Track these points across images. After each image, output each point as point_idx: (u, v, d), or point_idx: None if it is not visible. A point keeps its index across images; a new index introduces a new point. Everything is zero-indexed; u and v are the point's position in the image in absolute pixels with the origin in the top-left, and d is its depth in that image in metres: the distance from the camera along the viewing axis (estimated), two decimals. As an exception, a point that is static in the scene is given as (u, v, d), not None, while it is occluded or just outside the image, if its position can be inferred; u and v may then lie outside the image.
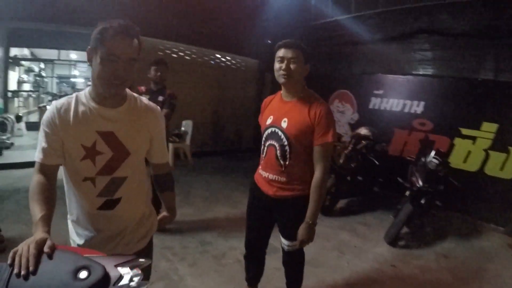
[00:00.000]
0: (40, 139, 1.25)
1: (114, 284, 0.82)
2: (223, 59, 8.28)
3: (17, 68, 10.49)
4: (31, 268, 0.81)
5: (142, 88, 3.70)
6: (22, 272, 0.80)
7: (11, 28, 8.07)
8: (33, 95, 12.27)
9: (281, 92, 2.07)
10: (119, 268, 0.86)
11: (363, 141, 4.84)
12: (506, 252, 3.98)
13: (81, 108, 1.26)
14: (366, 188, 5.17)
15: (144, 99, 1.43)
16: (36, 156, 1.25)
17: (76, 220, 1.37)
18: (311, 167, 1.95)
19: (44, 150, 1.23)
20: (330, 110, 1.93)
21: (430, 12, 5.44)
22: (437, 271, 3.40)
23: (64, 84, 15.57)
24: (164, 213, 1.71)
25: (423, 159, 4.11)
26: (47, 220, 1.06)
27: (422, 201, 3.80)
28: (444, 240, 4.13)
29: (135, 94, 1.41)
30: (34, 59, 11.94)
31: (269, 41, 7.78)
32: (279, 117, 1.98)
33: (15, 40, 8.72)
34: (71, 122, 1.24)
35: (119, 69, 1.18)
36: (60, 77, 15.11)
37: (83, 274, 0.80)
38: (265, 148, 2.06)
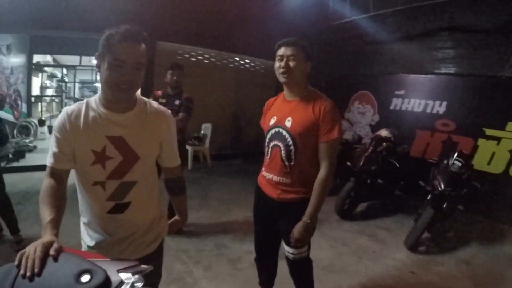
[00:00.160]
0: (51, 144, 1.28)
1: None
2: (241, 62, 8.27)
3: (40, 74, 10.81)
4: (36, 270, 0.82)
5: (159, 92, 3.73)
6: (28, 274, 0.81)
7: (34, 36, 8.36)
8: (56, 100, 12.63)
9: (284, 92, 2.03)
10: (121, 274, 0.86)
11: (383, 143, 4.71)
12: (532, 259, 3.78)
13: (91, 114, 1.28)
14: (387, 191, 5.03)
15: (154, 103, 1.43)
16: (47, 160, 1.27)
17: (87, 223, 1.40)
18: (317, 169, 1.88)
19: (55, 155, 1.26)
20: (335, 106, 1.87)
21: (451, 8, 5.31)
22: (458, 279, 3.24)
23: (86, 89, 15.97)
24: (175, 217, 1.70)
25: (445, 162, 3.97)
26: (55, 223, 1.07)
27: (444, 205, 3.65)
28: (466, 246, 3.96)
29: (144, 99, 1.41)
30: (57, 65, 12.28)
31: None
32: (283, 116, 1.93)
33: (37, 47, 9.07)
34: (81, 127, 1.26)
35: (126, 74, 1.19)
36: (82, 82, 15.52)
37: (85, 278, 0.81)
38: (270, 149, 2.01)
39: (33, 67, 9.58)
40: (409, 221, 4.27)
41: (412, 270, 3.31)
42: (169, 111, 1.48)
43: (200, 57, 7.61)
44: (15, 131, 7.67)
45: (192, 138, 6.82)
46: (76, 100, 12.23)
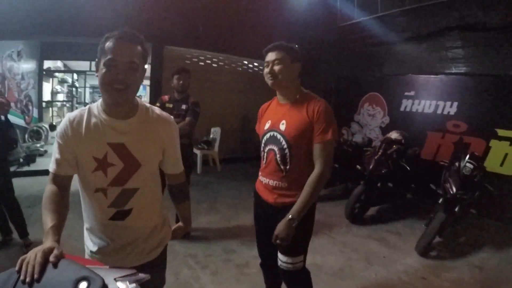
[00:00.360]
0: (54, 150, 1.29)
1: None
2: (250, 66, 8.27)
3: (51, 80, 10.97)
4: (36, 276, 0.83)
5: (166, 97, 3.74)
6: (27, 279, 0.83)
7: (44, 42, 8.49)
8: (67, 105, 12.78)
9: (277, 96, 2.02)
10: (118, 282, 0.87)
11: (394, 146, 4.65)
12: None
13: (93, 120, 1.28)
14: (397, 195, 4.96)
15: (157, 109, 1.42)
16: (50, 166, 1.29)
17: (90, 228, 1.40)
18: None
19: (57, 161, 1.27)
20: (329, 107, 1.84)
21: (460, 7, 5.22)
22: (470, 284, 3.15)
23: (97, 94, 16.12)
24: (179, 223, 1.69)
25: (457, 164, 3.88)
26: (57, 230, 1.08)
27: (456, 209, 3.56)
28: (478, 251, 3.86)
29: (147, 105, 1.40)
30: (67, 70, 12.44)
31: (296, 45, 7.67)
32: (277, 120, 1.91)
33: (48, 53, 9.23)
34: (83, 134, 1.26)
35: (119, 73, 1.18)
36: (92, 87, 15.68)
37: (83, 285, 0.81)
38: (265, 153, 1.98)
39: (44, 72, 9.76)
40: (420, 225, 4.19)
41: (423, 275, 3.23)
42: (172, 117, 1.46)
43: (208, 61, 7.64)
44: (26, 136, 7.77)
45: (202, 142, 6.87)
46: (86, 105, 12.33)
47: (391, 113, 6.41)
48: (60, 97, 12.28)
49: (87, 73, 12.65)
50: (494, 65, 5.03)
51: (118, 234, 1.36)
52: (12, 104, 7.34)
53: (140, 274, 0.93)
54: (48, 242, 0.98)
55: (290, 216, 1.76)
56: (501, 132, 4.76)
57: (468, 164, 3.73)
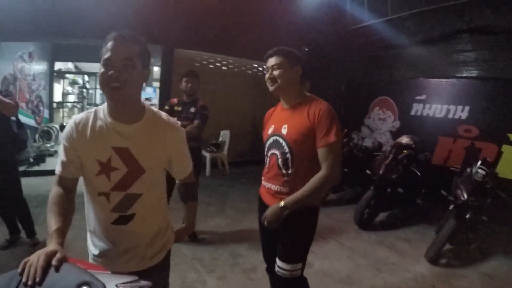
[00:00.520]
0: (60, 152, 1.30)
1: None
2: (260, 69, 8.25)
3: (62, 81, 11.08)
4: (37, 279, 0.84)
5: (174, 100, 3.75)
6: (29, 282, 0.83)
7: (56, 44, 8.59)
8: (78, 106, 12.89)
9: (281, 101, 2.01)
10: None
11: (404, 151, 4.59)
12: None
13: (98, 123, 1.27)
14: (407, 201, 4.88)
15: (164, 115, 1.40)
16: (56, 168, 1.29)
17: (93, 231, 1.39)
18: None
19: (63, 163, 1.27)
20: (331, 109, 1.79)
21: (471, 9, 5.15)
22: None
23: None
24: (182, 225, 1.65)
25: (468, 170, 3.82)
26: (61, 232, 1.08)
27: (467, 216, 3.50)
28: (490, 259, 3.77)
29: (154, 109, 1.38)
30: (78, 72, 12.56)
31: (306, 49, 7.68)
32: (280, 124, 1.90)
33: (59, 55, 9.35)
34: (88, 136, 1.26)
35: (113, 70, 1.17)
36: (103, 89, 15.76)
37: None
38: (268, 158, 1.97)
39: (55, 74, 9.87)
40: (430, 232, 4.12)
41: (432, 283, 3.17)
42: (179, 122, 1.45)
43: (218, 64, 7.65)
44: (36, 136, 7.85)
45: (211, 145, 6.89)
46: (97, 106, 12.46)
47: (401, 117, 6.35)
48: (71, 98, 12.40)
49: (98, 74, 12.76)
50: (506, 68, 4.94)
51: (120, 238, 1.35)
52: (23, 105, 7.44)
53: (142, 282, 0.92)
54: (51, 245, 0.98)
55: (283, 203, 1.74)
56: (513, 137, 4.67)
57: (480, 170, 3.66)
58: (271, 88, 1.88)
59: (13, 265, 0.88)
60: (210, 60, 7.49)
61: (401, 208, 4.96)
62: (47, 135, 8.06)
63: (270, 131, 1.96)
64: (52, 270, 0.88)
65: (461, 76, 5.56)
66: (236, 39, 7.16)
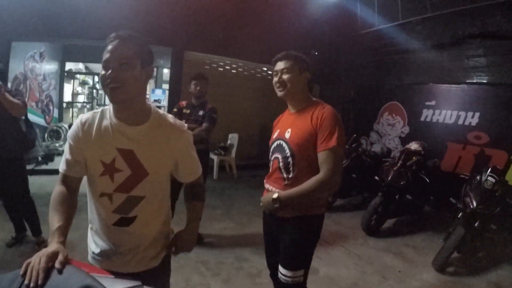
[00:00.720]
0: (65, 150, 1.30)
1: None
2: (269, 72, 8.23)
3: (72, 81, 11.19)
4: (40, 282, 0.83)
5: (183, 103, 3.76)
6: (32, 285, 0.82)
7: (66, 45, 8.68)
8: (87, 106, 12.99)
9: (288, 106, 1.99)
10: None
11: (413, 157, 4.54)
12: None
13: (104, 124, 1.28)
14: (416, 207, 4.83)
15: (170, 117, 1.38)
16: (60, 167, 1.30)
17: (94, 230, 1.39)
18: None
19: (67, 162, 1.27)
20: (336, 114, 1.75)
21: (482, 14, 5.10)
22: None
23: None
24: (179, 231, 1.44)
25: (478, 177, 3.76)
26: (63, 231, 1.08)
27: (476, 224, 3.45)
28: (497, 267, 3.71)
29: (160, 111, 1.37)
30: (88, 72, 12.67)
31: (316, 53, 7.66)
32: (284, 129, 1.89)
33: (70, 55, 9.45)
34: (93, 136, 1.26)
35: (110, 71, 1.17)
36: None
37: None
38: (271, 162, 1.95)
39: (65, 74, 9.97)
40: (438, 239, 4.05)
41: (440, 292, 3.11)
42: (186, 125, 1.42)
43: (227, 67, 7.67)
44: (46, 135, 7.92)
45: (219, 148, 6.90)
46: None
47: (411, 123, 6.29)
48: (81, 98, 12.51)
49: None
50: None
51: (121, 239, 1.34)
52: (33, 104, 7.51)
53: (145, 287, 0.91)
54: (53, 245, 0.99)
55: (276, 195, 1.74)
56: (524, 144, 4.60)
57: (489, 178, 3.61)
58: (279, 93, 1.86)
59: (18, 262, 0.88)
60: (220, 63, 7.52)
61: (409, 215, 4.91)
62: (56, 134, 8.13)
63: (275, 135, 1.96)
64: (54, 272, 0.88)
65: (472, 82, 5.50)
66: (246, 42, 7.17)
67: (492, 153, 4.96)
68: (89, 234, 1.44)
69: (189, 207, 1.49)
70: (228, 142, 7.24)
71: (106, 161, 1.25)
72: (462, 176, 4.16)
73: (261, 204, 1.85)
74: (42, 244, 3.22)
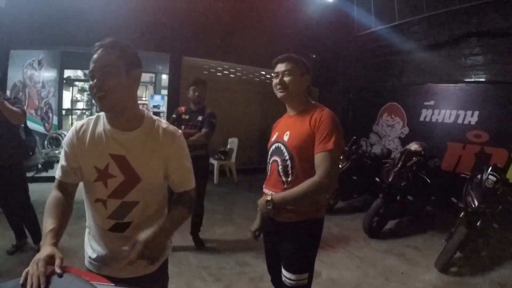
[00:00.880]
0: (61, 157, 1.32)
1: None
2: (268, 76, 8.24)
3: (71, 88, 11.20)
4: (42, 286, 0.85)
5: (182, 109, 3.76)
6: None
7: (64, 52, 8.71)
8: (87, 113, 13.00)
9: (287, 108, 1.98)
10: None
11: (414, 158, 4.53)
12: None
13: (98, 130, 1.29)
14: (417, 208, 4.82)
15: (164, 123, 1.37)
16: (56, 173, 1.32)
17: (92, 235, 1.41)
18: None
19: (63, 168, 1.30)
20: (334, 117, 1.74)
21: (479, 12, 5.12)
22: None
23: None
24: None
25: (478, 176, 3.76)
26: (56, 233, 1.10)
27: (478, 224, 3.42)
28: (501, 267, 3.70)
29: (154, 117, 1.38)
30: (87, 79, 12.66)
31: (314, 56, 7.67)
32: (283, 132, 1.88)
33: (68, 63, 9.46)
34: (87, 142, 1.28)
35: (96, 80, 1.18)
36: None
37: None
38: (269, 165, 1.93)
39: (64, 81, 9.97)
40: (440, 239, 4.04)
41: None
42: (179, 131, 1.40)
43: (226, 72, 7.68)
44: (45, 142, 7.91)
45: (219, 153, 6.91)
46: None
47: (410, 123, 6.30)
48: (80, 105, 12.50)
49: (88, 88, 12.90)
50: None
51: (116, 244, 1.32)
52: (33, 111, 7.51)
53: None
54: (45, 248, 0.99)
55: (269, 197, 1.74)
56: (524, 142, 4.59)
57: (490, 177, 3.60)
58: (280, 95, 1.84)
59: (19, 270, 0.89)
60: (218, 68, 7.53)
61: (410, 215, 4.90)
62: (55, 141, 8.11)
63: (273, 138, 1.95)
64: (54, 280, 0.88)
65: (470, 81, 5.51)
66: (244, 46, 7.19)
67: (492, 151, 4.97)
68: (86, 238, 1.45)
69: (172, 210, 1.38)
70: (228, 146, 7.25)
71: (100, 167, 1.26)
72: (463, 175, 4.14)
73: (258, 208, 1.84)
74: None
